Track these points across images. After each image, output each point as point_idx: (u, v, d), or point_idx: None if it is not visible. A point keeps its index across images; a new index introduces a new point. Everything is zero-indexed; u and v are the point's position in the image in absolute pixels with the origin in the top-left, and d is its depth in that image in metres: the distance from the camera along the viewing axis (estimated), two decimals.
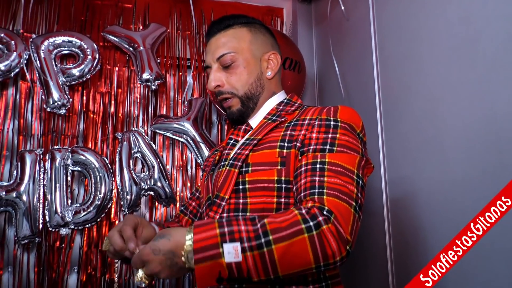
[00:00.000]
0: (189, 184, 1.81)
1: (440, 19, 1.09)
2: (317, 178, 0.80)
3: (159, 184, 1.68)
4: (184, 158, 1.83)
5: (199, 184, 1.20)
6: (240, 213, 0.88)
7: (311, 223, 0.73)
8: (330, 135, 0.86)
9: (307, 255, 0.72)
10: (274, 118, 0.99)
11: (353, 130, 0.88)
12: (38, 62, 1.62)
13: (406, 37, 1.23)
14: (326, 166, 0.81)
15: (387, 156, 1.29)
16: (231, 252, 0.70)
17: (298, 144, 0.88)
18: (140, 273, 0.75)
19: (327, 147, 0.84)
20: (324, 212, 0.74)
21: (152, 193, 1.69)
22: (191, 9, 1.90)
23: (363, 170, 0.84)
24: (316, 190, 0.78)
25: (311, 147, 0.85)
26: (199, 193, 1.17)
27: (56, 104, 1.60)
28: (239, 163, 0.90)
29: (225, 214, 0.90)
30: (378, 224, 1.28)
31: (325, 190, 0.78)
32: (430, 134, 1.10)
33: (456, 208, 0.99)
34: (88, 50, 1.69)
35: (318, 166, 0.82)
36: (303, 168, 0.84)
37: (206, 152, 1.75)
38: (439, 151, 1.06)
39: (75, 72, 1.66)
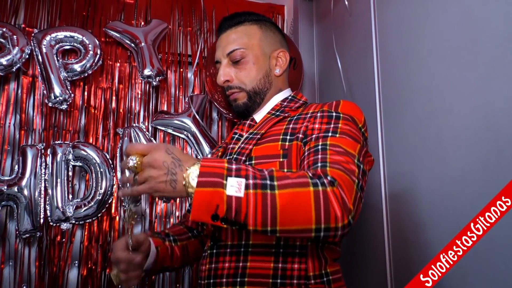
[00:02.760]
0: None
1: (441, 18, 1.09)
2: (319, 156, 0.80)
3: None
4: None
5: None
6: None
7: (318, 180, 0.71)
8: (332, 125, 0.86)
9: (309, 211, 0.68)
10: (277, 113, 1.00)
11: (355, 123, 0.89)
12: (40, 57, 1.62)
13: (407, 35, 1.24)
14: (328, 147, 0.81)
15: (387, 153, 1.30)
16: (234, 185, 0.68)
17: (300, 135, 0.89)
18: (135, 162, 0.71)
19: (330, 134, 0.84)
20: (328, 178, 0.72)
21: None
22: (201, 5, 1.90)
23: (364, 158, 0.84)
24: (319, 164, 0.78)
25: (314, 136, 0.86)
26: None
27: (57, 99, 1.60)
28: (243, 158, 0.91)
29: None
30: (377, 219, 1.29)
31: (328, 163, 0.77)
32: (429, 132, 1.11)
33: (455, 205, 1.00)
34: (90, 45, 1.69)
35: (320, 147, 0.82)
36: (306, 153, 0.84)
37: (206, 149, 1.75)
38: (438, 149, 1.07)
39: (77, 67, 1.66)
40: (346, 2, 1.58)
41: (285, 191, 0.69)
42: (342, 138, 0.83)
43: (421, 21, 1.18)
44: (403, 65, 1.25)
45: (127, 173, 0.73)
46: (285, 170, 0.86)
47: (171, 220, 1.76)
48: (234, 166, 0.71)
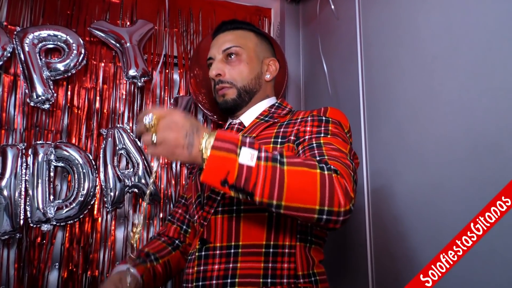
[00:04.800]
0: (173, 182, 1.81)
1: (423, 27, 1.12)
2: (316, 151, 0.84)
3: (143, 181, 1.67)
4: None
5: (184, 191, 1.21)
6: (235, 207, 0.91)
7: (324, 165, 0.74)
8: (323, 128, 0.92)
9: (314, 191, 0.70)
10: (266, 119, 1.04)
11: (342, 128, 0.95)
12: (22, 56, 1.59)
13: (390, 41, 1.26)
14: (322, 145, 0.86)
15: (369, 155, 1.31)
16: (247, 155, 0.70)
17: (292, 137, 0.94)
18: (151, 120, 0.70)
19: (322, 135, 0.90)
20: (332, 167, 0.75)
21: (136, 190, 1.68)
22: (188, 7, 1.89)
23: (352, 158, 0.89)
24: (318, 158, 0.81)
25: (307, 137, 0.91)
26: (185, 200, 1.17)
27: (40, 98, 1.57)
28: None
29: (220, 209, 0.93)
30: (359, 217, 1.31)
31: (326, 156, 0.81)
32: (411, 139, 1.12)
33: (434, 211, 1.02)
34: (74, 44, 1.66)
35: (315, 144, 0.87)
36: (300, 152, 0.88)
37: None
38: (420, 156, 1.09)
39: (60, 66, 1.64)
40: (333, 6, 1.60)
41: (293, 168, 0.71)
42: (333, 138, 0.89)
43: (404, 28, 1.20)
44: (386, 70, 1.26)
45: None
46: None
47: (155, 222, 1.75)
48: (248, 139, 0.73)
